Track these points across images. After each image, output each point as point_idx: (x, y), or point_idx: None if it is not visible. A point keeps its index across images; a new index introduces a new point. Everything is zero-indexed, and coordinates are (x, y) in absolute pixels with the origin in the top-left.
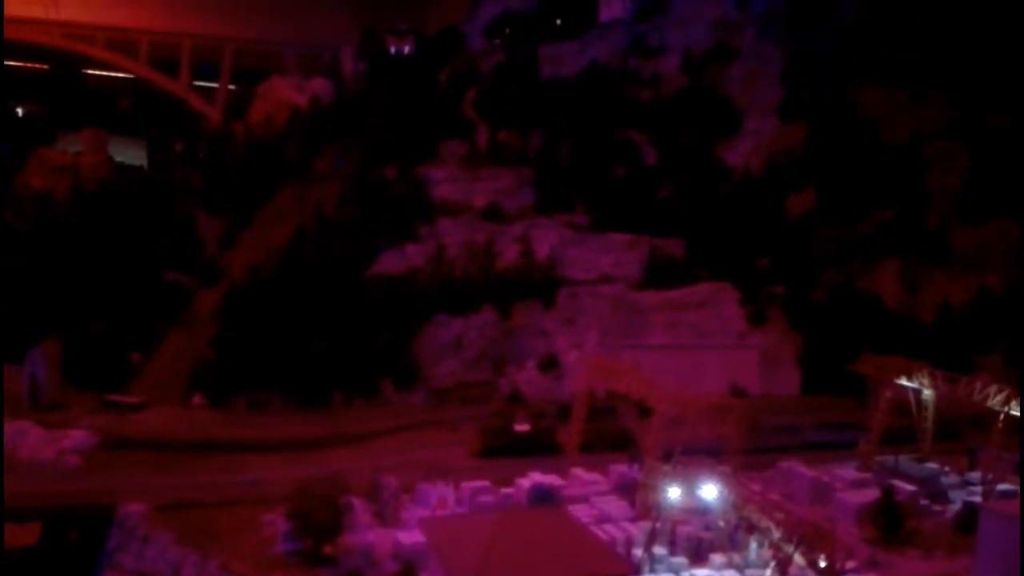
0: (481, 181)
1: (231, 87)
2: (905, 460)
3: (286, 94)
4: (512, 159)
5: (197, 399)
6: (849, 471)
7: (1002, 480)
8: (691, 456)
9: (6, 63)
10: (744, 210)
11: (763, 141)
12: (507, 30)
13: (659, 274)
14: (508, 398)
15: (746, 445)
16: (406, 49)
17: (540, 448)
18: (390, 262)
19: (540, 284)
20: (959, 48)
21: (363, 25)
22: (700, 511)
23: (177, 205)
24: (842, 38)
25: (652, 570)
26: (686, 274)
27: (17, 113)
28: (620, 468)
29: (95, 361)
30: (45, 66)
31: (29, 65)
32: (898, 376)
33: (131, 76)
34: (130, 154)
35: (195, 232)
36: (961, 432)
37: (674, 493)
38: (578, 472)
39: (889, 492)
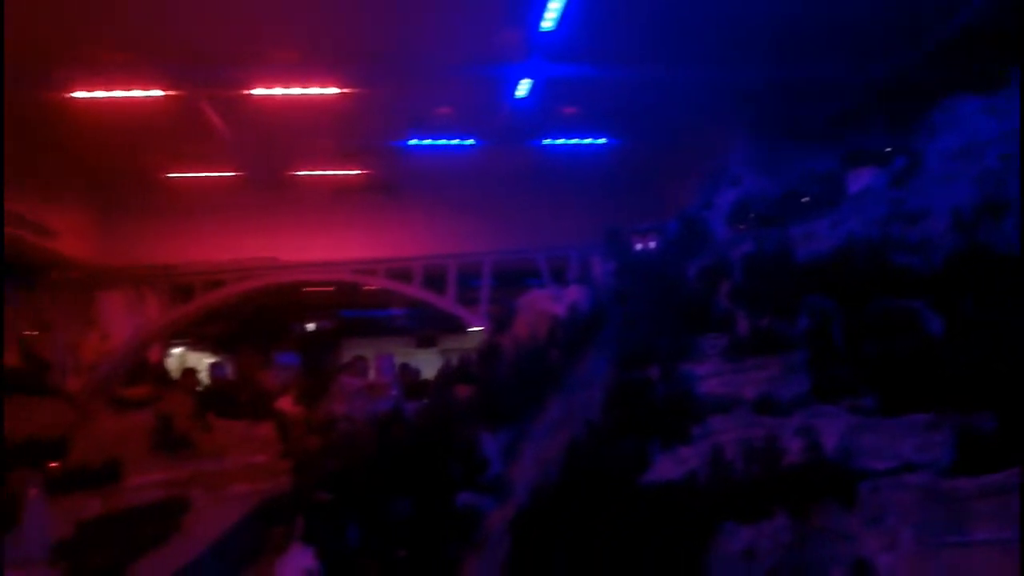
0: (747, 372)
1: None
2: None
3: (545, 305)
4: (778, 346)
5: None
6: None
7: None
8: None
9: (306, 290)
10: None
11: None
12: (751, 215)
13: (971, 455)
14: None
15: None
16: (651, 245)
17: None
18: (665, 468)
19: (833, 480)
20: None
21: (604, 227)
22: None
23: (459, 424)
24: None
25: None
26: (1006, 453)
27: (307, 328)
28: None
29: None
30: (331, 288)
31: (319, 289)
32: None
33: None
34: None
35: (479, 450)
36: None
37: None
38: None
39: None
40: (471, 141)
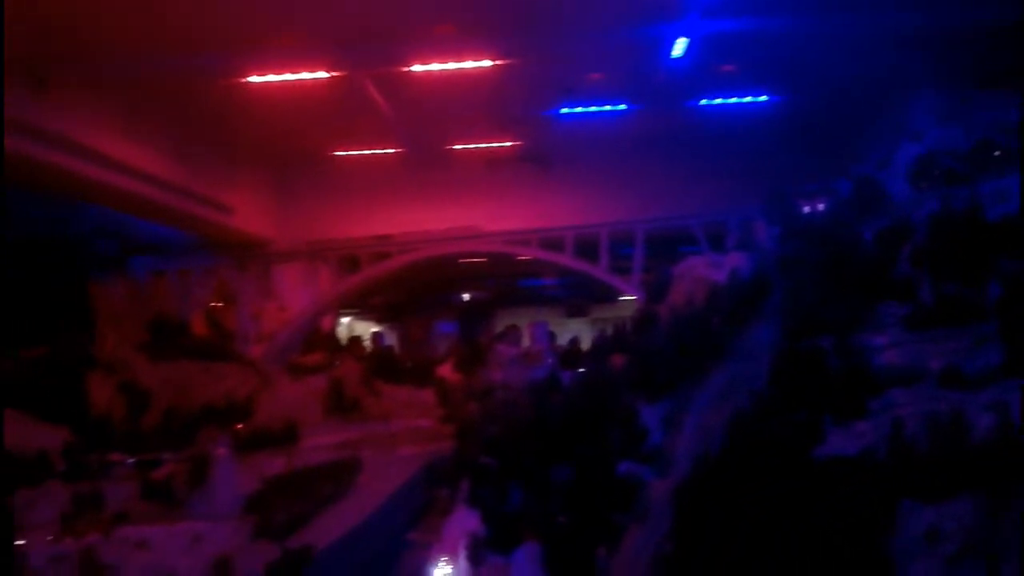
0: (931, 343)
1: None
2: None
3: (704, 272)
4: (966, 314)
5: None
6: None
7: None
8: None
9: (461, 261)
10: None
11: None
12: (936, 171)
13: None
14: None
15: None
16: (820, 207)
17: None
18: (839, 442)
19: None
20: None
21: (767, 190)
22: None
23: (617, 393)
24: None
25: None
26: None
27: (463, 298)
28: None
29: (567, 556)
30: (485, 259)
31: (473, 260)
32: None
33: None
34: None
35: (638, 420)
36: None
37: None
38: None
39: None
40: (623, 106)
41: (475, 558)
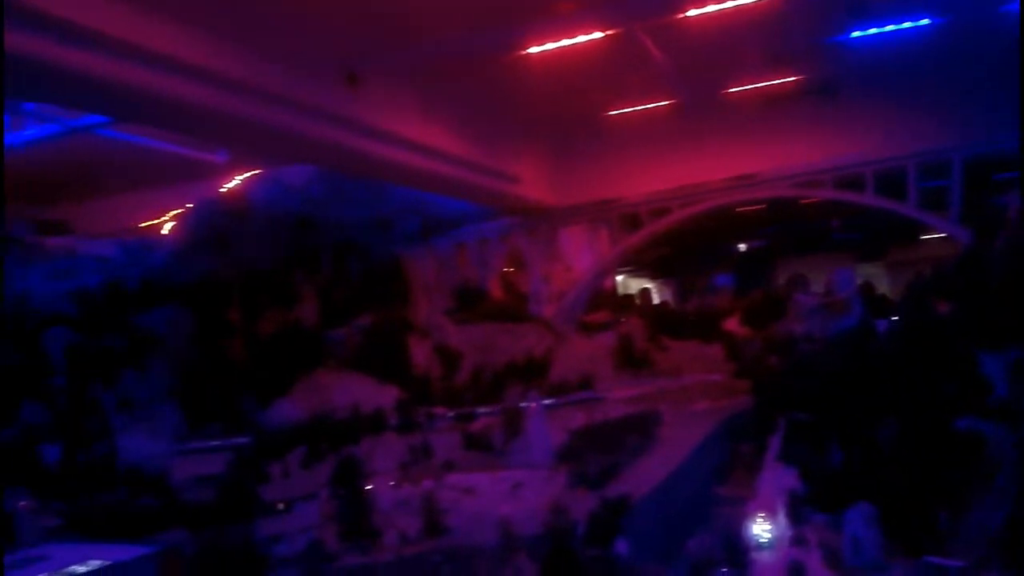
0: None
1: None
2: None
3: None
4: None
5: None
6: None
7: None
8: None
9: (738, 210)
10: None
11: None
12: None
13: None
14: None
15: None
16: None
17: None
18: None
19: None
20: None
21: None
22: None
23: (949, 342)
24: None
25: None
26: None
27: (740, 249)
28: None
29: (904, 518)
30: (763, 205)
31: (750, 208)
32: None
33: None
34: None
35: (978, 371)
36: None
37: None
38: None
39: None
40: (925, 21)
41: (796, 516)
